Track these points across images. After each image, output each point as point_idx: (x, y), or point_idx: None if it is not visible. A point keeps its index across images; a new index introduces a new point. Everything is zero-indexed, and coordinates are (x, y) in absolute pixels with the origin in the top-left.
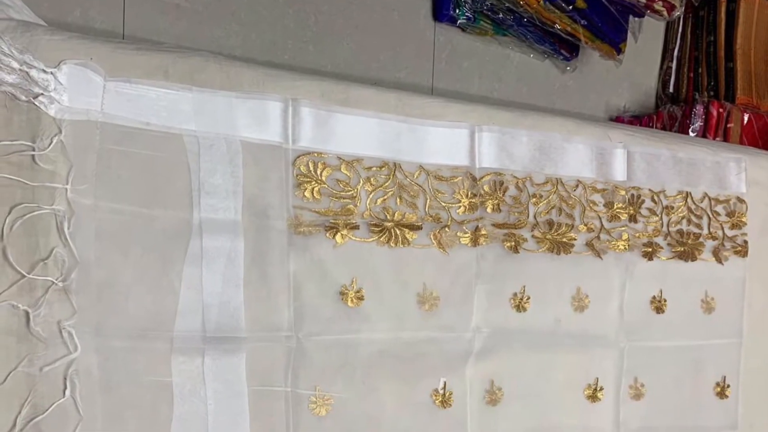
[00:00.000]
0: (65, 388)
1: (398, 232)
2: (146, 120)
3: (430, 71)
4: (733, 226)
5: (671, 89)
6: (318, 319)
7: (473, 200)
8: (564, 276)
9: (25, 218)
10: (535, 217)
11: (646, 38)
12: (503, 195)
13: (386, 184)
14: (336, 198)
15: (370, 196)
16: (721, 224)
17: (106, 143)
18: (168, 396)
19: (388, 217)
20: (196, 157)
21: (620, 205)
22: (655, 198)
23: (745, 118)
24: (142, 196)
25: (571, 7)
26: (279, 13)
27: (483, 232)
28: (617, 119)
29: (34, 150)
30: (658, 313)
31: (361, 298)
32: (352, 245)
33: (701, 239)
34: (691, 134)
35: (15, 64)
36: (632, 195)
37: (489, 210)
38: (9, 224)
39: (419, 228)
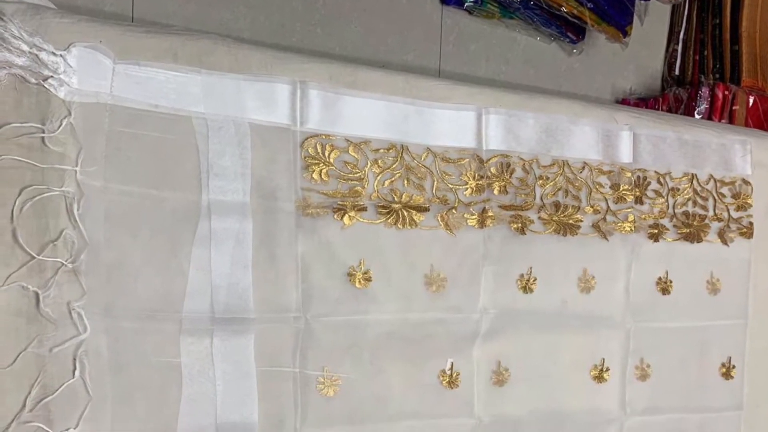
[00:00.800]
0: (75, 368)
1: (406, 213)
2: (155, 102)
3: (438, 54)
4: (739, 208)
5: (677, 72)
6: (326, 301)
7: (480, 182)
8: (570, 257)
9: (35, 200)
10: (541, 199)
11: (652, 21)
12: (510, 177)
13: (394, 166)
14: (344, 180)
15: (378, 177)
16: (726, 206)
17: (116, 125)
18: (177, 377)
19: (396, 198)
20: (205, 139)
21: (626, 186)
22: (661, 180)
23: (751, 101)
24: (151, 178)
25: None
26: None
27: (490, 213)
28: (623, 102)
29: (43, 132)
30: (663, 294)
31: (368, 280)
32: (360, 227)
33: (707, 221)
34: (697, 116)
35: (25, 47)
36: (638, 177)
37: (496, 192)
38: (19, 206)
39: (426, 210)
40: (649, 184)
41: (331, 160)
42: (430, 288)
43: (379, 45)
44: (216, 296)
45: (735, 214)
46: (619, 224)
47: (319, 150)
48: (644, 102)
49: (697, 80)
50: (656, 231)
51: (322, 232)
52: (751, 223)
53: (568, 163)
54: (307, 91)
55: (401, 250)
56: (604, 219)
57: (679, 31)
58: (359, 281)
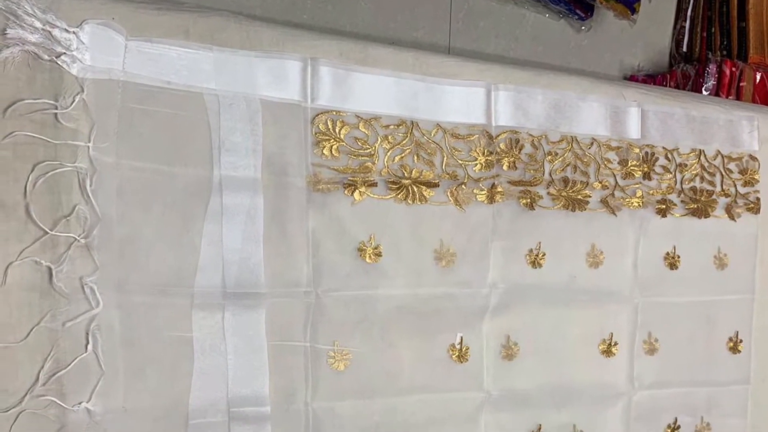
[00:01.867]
0: (87, 343)
1: (415, 189)
2: (167, 79)
3: (447, 31)
4: (746, 183)
5: (684, 48)
6: (336, 275)
7: (489, 158)
8: (579, 232)
9: (48, 176)
10: (550, 175)
11: None
12: (519, 153)
13: (404, 142)
14: (354, 156)
15: (388, 153)
16: (733, 181)
17: (128, 102)
18: (189, 351)
19: (406, 174)
20: (217, 115)
21: (634, 162)
22: (669, 156)
23: (758, 77)
24: (163, 154)
25: None
26: None
27: (499, 189)
28: (631, 78)
29: (56, 108)
30: (671, 269)
31: (379, 255)
32: (370, 202)
33: (714, 196)
34: (704, 93)
35: (38, 24)
36: (646, 153)
37: (505, 167)
38: (32, 181)
39: (436, 185)
40: (657, 159)
41: (342, 136)
42: (440, 263)
43: (389, 22)
44: (227, 271)
45: (742, 190)
46: (628, 200)
47: (330, 126)
48: (652, 78)
49: (705, 57)
50: (664, 206)
51: (332, 208)
52: (758, 199)
53: (576, 139)
54: (318, 68)
55: (411, 225)
56: (613, 194)
57: (687, 8)
58: (369, 256)
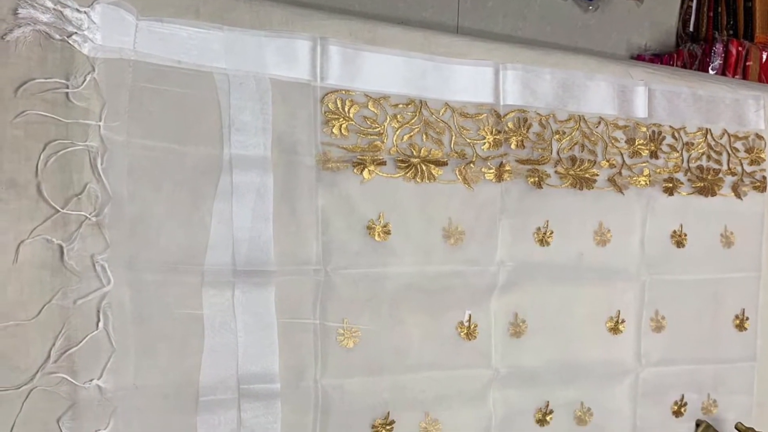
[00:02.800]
0: (98, 320)
1: (424, 167)
2: (178, 58)
3: (456, 10)
4: (752, 162)
5: (691, 28)
6: (346, 253)
7: (498, 137)
8: (586, 211)
9: (60, 154)
10: (558, 153)
11: None
12: (527, 131)
13: (412, 120)
14: (363, 134)
15: (397, 132)
16: (740, 160)
17: (138, 81)
18: (199, 328)
19: (415, 153)
20: (227, 94)
21: (641, 141)
22: (676, 134)
23: (764, 56)
24: (173, 133)
25: None
26: None
27: (507, 167)
28: (638, 58)
29: (67, 87)
30: (678, 247)
31: (387, 233)
32: (379, 181)
33: (720, 175)
34: (711, 72)
35: (49, 4)
36: (653, 132)
37: (513, 146)
38: (43, 160)
39: (445, 164)
40: (663, 138)
41: (351, 115)
42: (449, 241)
43: (398, 2)
44: (237, 249)
45: (748, 168)
46: (635, 178)
47: (339, 105)
48: (659, 58)
49: (711, 36)
50: (671, 185)
51: (341, 186)
52: (764, 177)
53: (584, 118)
54: (327, 47)
55: (420, 203)
56: (620, 173)
57: None
58: (378, 234)
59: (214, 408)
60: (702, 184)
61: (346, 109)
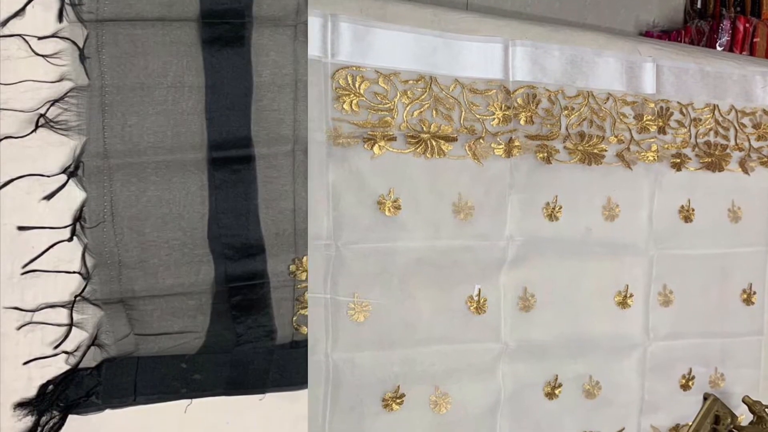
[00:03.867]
0: None
1: (434, 143)
2: None
3: None
4: (759, 138)
5: (699, 5)
6: (356, 228)
7: (507, 112)
8: (595, 186)
9: None
10: (566, 129)
11: None
12: (536, 107)
13: (422, 96)
14: (374, 110)
15: (407, 108)
16: (747, 136)
17: None
18: None
19: (425, 128)
20: None
21: (649, 117)
22: (684, 110)
23: None
24: None
25: None
26: None
27: (516, 143)
28: (646, 34)
29: None
30: (686, 222)
31: (398, 208)
32: (390, 156)
33: (728, 150)
34: (719, 48)
35: None
36: (661, 107)
37: (522, 122)
38: None
39: (454, 139)
40: (671, 114)
41: (362, 91)
42: (458, 216)
43: None
44: None
45: (756, 144)
46: (643, 154)
47: (350, 81)
48: (667, 34)
49: (719, 13)
50: (679, 160)
51: (352, 162)
52: None
53: (592, 94)
54: (338, 24)
55: (430, 178)
56: (628, 148)
57: None
58: (389, 209)
59: None
60: (709, 160)
61: (357, 85)
